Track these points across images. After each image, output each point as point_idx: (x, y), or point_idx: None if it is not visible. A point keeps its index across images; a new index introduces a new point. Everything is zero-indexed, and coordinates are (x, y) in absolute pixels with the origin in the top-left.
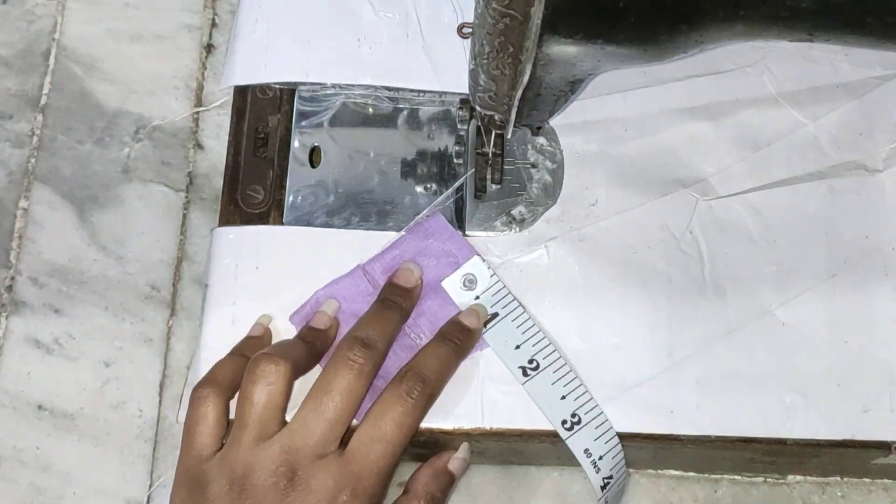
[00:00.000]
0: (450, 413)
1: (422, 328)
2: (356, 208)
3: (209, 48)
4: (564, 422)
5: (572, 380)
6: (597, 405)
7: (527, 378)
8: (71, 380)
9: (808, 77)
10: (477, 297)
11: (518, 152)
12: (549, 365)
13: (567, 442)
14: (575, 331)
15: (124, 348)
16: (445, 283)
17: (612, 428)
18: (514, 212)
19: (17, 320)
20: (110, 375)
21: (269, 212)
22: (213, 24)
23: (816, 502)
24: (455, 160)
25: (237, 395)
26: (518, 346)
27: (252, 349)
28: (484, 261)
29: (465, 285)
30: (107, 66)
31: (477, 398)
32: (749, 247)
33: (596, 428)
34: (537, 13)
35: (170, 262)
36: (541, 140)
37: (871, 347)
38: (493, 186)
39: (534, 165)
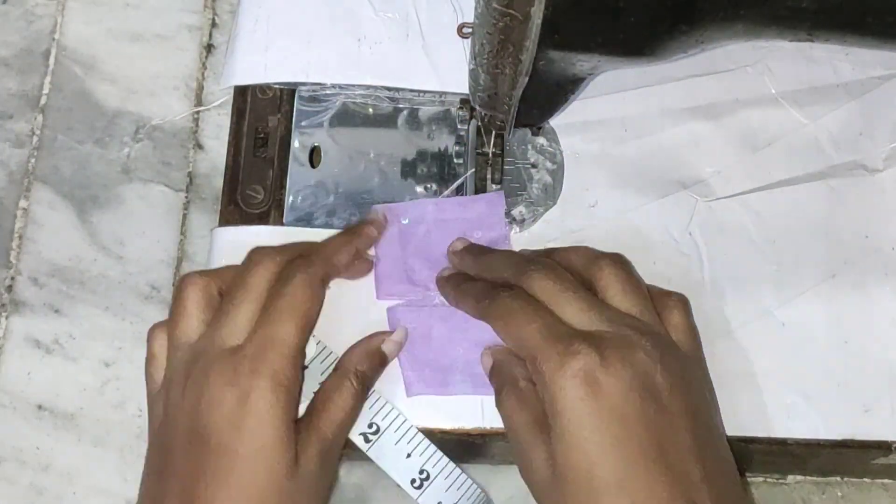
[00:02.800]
0: (450, 413)
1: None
2: (356, 208)
3: (209, 48)
4: (413, 480)
5: (414, 435)
6: (442, 456)
7: (369, 444)
8: (71, 380)
9: (808, 77)
10: (305, 367)
11: (518, 152)
12: (389, 425)
13: (420, 500)
14: None
15: (124, 348)
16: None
17: (461, 474)
18: (515, 212)
19: (18, 320)
20: (110, 375)
21: (269, 212)
22: (213, 24)
23: (816, 502)
24: (455, 160)
25: None
26: None
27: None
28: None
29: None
30: (107, 66)
31: (476, 398)
32: (749, 247)
33: (445, 478)
34: (538, 13)
35: (170, 262)
36: (541, 140)
37: (872, 347)
38: (494, 186)
39: (534, 166)
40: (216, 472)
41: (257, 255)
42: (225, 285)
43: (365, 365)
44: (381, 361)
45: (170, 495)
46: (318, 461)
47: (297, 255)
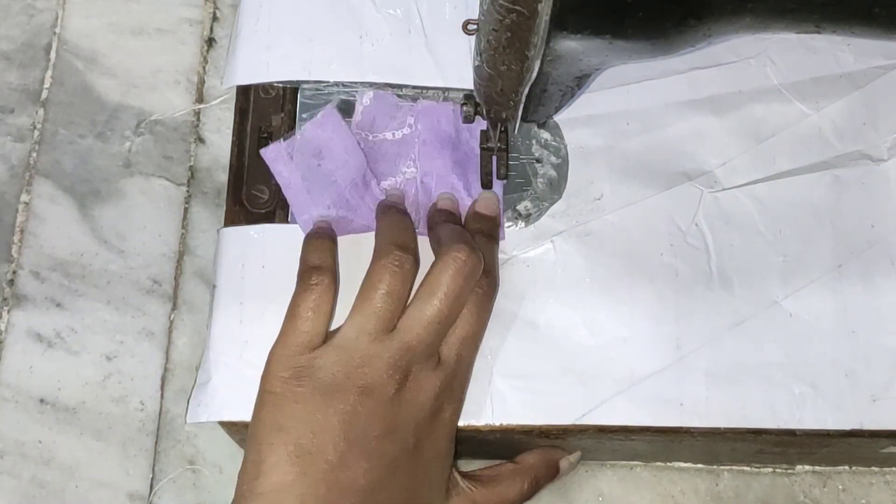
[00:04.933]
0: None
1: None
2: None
3: (210, 42)
4: None
5: None
6: None
7: None
8: (73, 373)
9: (811, 68)
10: None
11: (522, 147)
12: None
13: None
14: (582, 325)
15: (126, 342)
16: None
17: None
18: (520, 207)
19: (19, 314)
20: (112, 369)
21: (274, 211)
22: (214, 18)
23: (818, 495)
24: None
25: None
26: None
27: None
28: None
29: None
30: (108, 61)
31: (486, 394)
32: (755, 238)
33: None
34: (545, 9)
35: (171, 256)
36: (545, 135)
37: (879, 336)
38: (498, 182)
39: (538, 160)
40: None
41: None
42: None
43: (542, 472)
44: (554, 473)
45: None
46: None
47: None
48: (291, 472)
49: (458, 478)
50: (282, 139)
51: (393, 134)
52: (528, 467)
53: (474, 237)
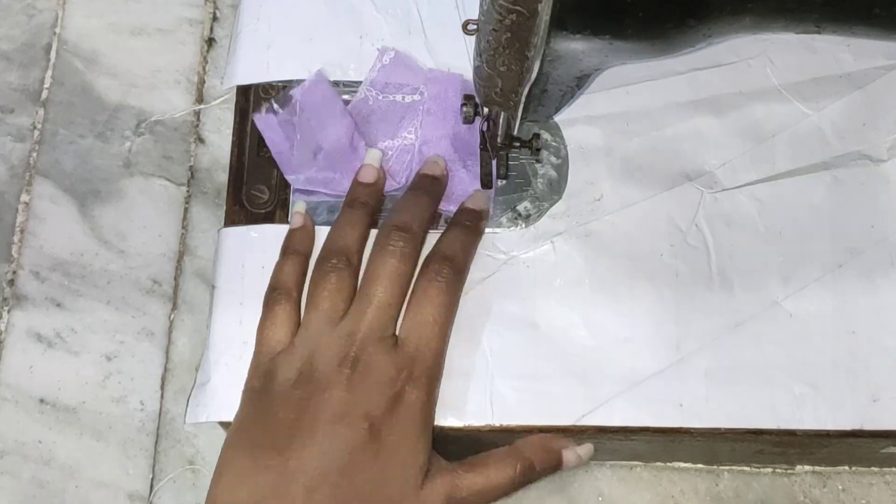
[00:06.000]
0: (459, 410)
1: None
2: None
3: (210, 42)
4: None
5: None
6: None
7: None
8: (73, 373)
9: (811, 68)
10: None
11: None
12: None
13: None
14: (582, 325)
15: (126, 342)
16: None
17: None
18: (520, 207)
19: (19, 314)
20: (112, 369)
21: (274, 211)
22: (214, 18)
23: (817, 495)
24: None
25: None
26: None
27: (300, 243)
28: None
29: None
30: (108, 60)
31: (486, 395)
32: (755, 239)
33: None
34: (545, 9)
35: (171, 256)
36: (545, 135)
37: (879, 336)
38: (499, 182)
39: (538, 161)
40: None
41: None
42: None
43: (538, 458)
44: (555, 464)
45: None
46: None
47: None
48: (246, 464)
49: (439, 459)
50: (272, 103)
51: (402, 97)
52: (522, 451)
53: (454, 228)
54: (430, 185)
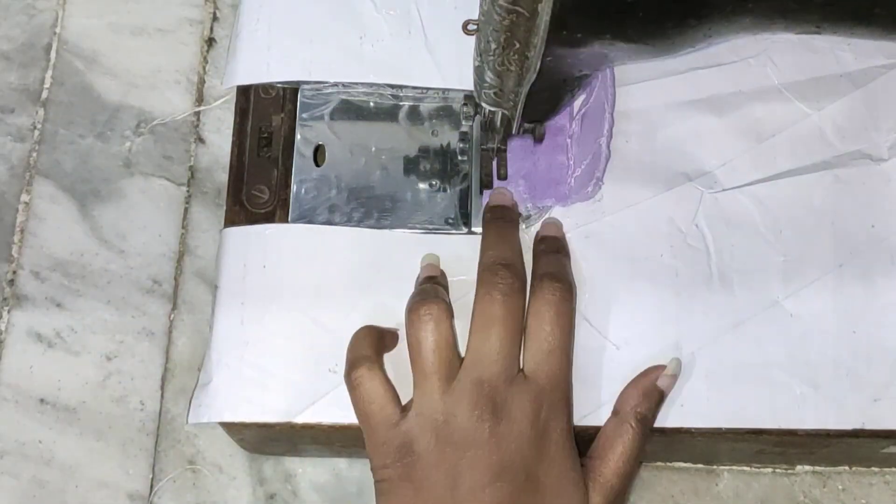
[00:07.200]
0: None
1: None
2: (358, 205)
3: (210, 42)
4: None
5: None
6: None
7: None
8: (73, 373)
9: (812, 67)
10: None
11: None
12: None
13: None
14: (583, 326)
15: (126, 342)
16: None
17: None
18: (520, 208)
19: (19, 314)
20: (112, 369)
21: (274, 211)
22: (215, 18)
23: (818, 495)
24: (459, 157)
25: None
26: None
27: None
28: None
29: None
30: (108, 60)
31: None
32: (755, 239)
33: None
34: (545, 9)
35: (171, 256)
36: None
37: (880, 336)
38: (499, 182)
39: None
40: None
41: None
42: None
43: (644, 406)
44: (659, 399)
45: None
46: None
47: None
48: None
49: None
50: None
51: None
52: (626, 410)
53: (545, 255)
54: (509, 215)
